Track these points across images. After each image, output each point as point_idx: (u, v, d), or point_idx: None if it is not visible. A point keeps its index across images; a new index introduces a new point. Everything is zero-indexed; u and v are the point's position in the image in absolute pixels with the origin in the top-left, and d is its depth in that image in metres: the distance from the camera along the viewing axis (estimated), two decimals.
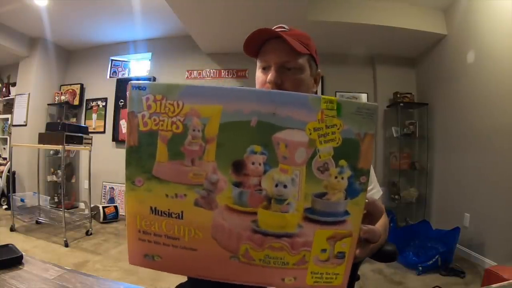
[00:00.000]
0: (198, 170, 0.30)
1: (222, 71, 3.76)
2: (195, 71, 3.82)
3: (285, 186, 0.30)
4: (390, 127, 3.42)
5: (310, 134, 0.29)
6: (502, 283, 0.54)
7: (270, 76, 0.66)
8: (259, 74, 0.71)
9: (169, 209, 0.31)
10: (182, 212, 0.31)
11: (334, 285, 0.33)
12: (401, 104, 3.34)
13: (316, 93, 0.80)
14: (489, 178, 2.36)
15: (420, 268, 2.20)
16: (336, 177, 0.29)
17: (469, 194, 2.59)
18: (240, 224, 0.31)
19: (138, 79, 3.97)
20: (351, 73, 3.63)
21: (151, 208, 0.32)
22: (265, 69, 0.69)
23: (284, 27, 0.69)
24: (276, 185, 0.30)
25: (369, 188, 0.71)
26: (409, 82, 3.58)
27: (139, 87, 0.30)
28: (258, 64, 0.71)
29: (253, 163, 0.29)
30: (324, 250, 0.31)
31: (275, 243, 0.31)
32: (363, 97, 3.62)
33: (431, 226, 2.66)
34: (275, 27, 0.70)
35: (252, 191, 0.30)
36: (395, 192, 3.32)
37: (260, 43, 0.69)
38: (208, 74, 3.80)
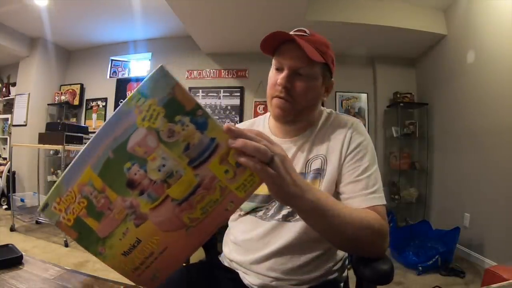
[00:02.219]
0: (116, 209, 0.38)
1: (222, 71, 3.76)
2: (195, 71, 3.82)
3: (163, 165, 0.36)
4: (390, 127, 3.42)
5: (144, 125, 0.35)
6: (502, 283, 0.54)
7: (280, 79, 0.67)
8: (272, 73, 0.73)
9: (130, 244, 0.40)
10: (136, 238, 0.40)
11: (258, 183, 0.39)
12: (401, 104, 3.34)
13: (324, 102, 0.82)
14: (489, 178, 2.35)
15: (420, 268, 2.20)
16: (183, 129, 0.35)
17: (469, 194, 2.59)
18: (167, 209, 0.38)
19: (138, 79, 3.97)
20: (351, 73, 3.62)
21: (123, 252, 0.41)
22: (278, 70, 0.70)
23: (305, 32, 0.70)
24: (159, 170, 0.37)
25: (369, 191, 0.65)
26: (409, 82, 3.58)
27: (44, 207, 0.39)
28: (273, 63, 0.72)
29: (135, 174, 0.37)
30: (226, 171, 0.38)
31: (197, 197, 0.38)
32: (363, 97, 3.62)
33: (431, 226, 2.66)
34: (295, 29, 0.71)
35: (151, 187, 0.37)
36: (395, 192, 3.32)
37: (277, 44, 0.70)
38: (208, 74, 3.80)
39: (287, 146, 0.75)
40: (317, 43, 0.68)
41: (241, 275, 0.73)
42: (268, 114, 0.85)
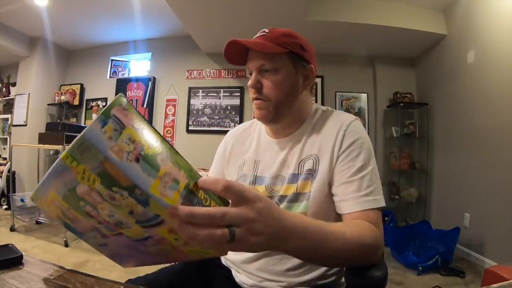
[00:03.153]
0: (84, 223, 0.37)
1: (222, 71, 3.76)
2: (195, 71, 3.82)
3: (113, 216, 0.34)
4: (390, 127, 3.42)
5: (84, 183, 0.32)
6: (502, 283, 0.54)
7: (250, 81, 0.70)
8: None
9: (98, 243, 0.41)
10: (105, 242, 0.40)
11: (212, 255, 0.38)
12: (401, 104, 3.34)
13: (316, 93, 0.82)
14: (489, 178, 2.36)
15: (420, 268, 2.20)
16: (123, 199, 0.32)
17: (469, 194, 2.59)
18: (125, 240, 0.38)
19: (138, 79, 3.97)
20: (351, 73, 3.63)
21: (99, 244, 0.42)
22: (250, 75, 0.72)
23: (264, 31, 0.70)
24: (110, 216, 0.34)
25: (361, 193, 0.62)
26: (409, 82, 3.58)
27: (33, 201, 0.38)
28: (247, 72, 0.75)
29: (90, 211, 0.34)
30: (176, 239, 0.36)
31: (149, 242, 0.37)
32: (363, 97, 3.62)
33: (431, 226, 2.66)
34: (258, 33, 0.72)
35: (107, 224, 0.36)
36: (395, 192, 3.32)
37: (244, 52, 0.71)
38: (208, 74, 3.80)
39: (280, 146, 0.75)
40: (276, 37, 0.67)
41: (234, 273, 0.74)
42: None
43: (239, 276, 0.72)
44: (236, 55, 0.72)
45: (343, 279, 0.74)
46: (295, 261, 0.67)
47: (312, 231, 0.44)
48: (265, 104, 0.69)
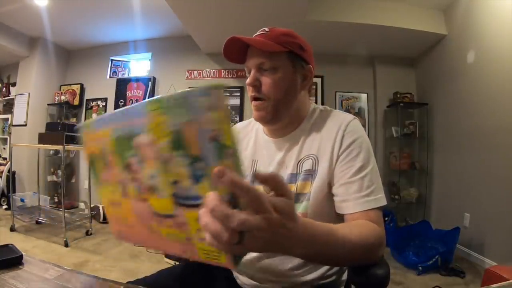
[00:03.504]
0: (115, 173, 0.39)
1: (222, 71, 3.76)
2: (195, 71, 3.82)
3: (153, 177, 0.35)
4: (390, 127, 3.42)
5: (150, 133, 0.33)
6: (502, 283, 0.54)
7: (248, 79, 0.69)
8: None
9: (114, 201, 0.42)
10: (120, 202, 0.41)
11: (221, 262, 0.35)
12: (401, 104, 3.34)
13: (316, 93, 0.81)
14: (489, 178, 2.36)
15: (420, 268, 2.20)
16: (179, 166, 0.32)
17: (469, 194, 2.59)
18: (144, 208, 0.38)
19: (138, 79, 3.98)
20: (351, 73, 3.63)
21: (109, 201, 0.43)
22: (249, 73, 0.71)
23: (264, 30, 0.70)
24: (150, 178, 0.35)
25: (360, 194, 0.62)
26: (409, 82, 3.58)
27: (81, 127, 0.42)
28: (245, 69, 0.74)
29: (133, 164, 0.36)
30: (199, 230, 0.33)
31: (167, 222, 0.36)
32: (363, 97, 3.62)
33: (431, 226, 2.66)
34: (258, 31, 0.72)
35: (139, 184, 0.37)
36: (395, 192, 3.32)
37: (243, 50, 0.71)
38: (208, 74, 3.80)
39: (278, 146, 0.75)
40: (276, 36, 0.68)
41: (234, 274, 0.74)
42: None
43: (240, 278, 0.72)
44: (235, 52, 0.71)
45: (343, 277, 0.75)
46: (298, 261, 0.67)
47: (321, 237, 0.43)
48: (263, 105, 0.69)
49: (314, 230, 0.42)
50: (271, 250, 0.36)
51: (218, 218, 0.29)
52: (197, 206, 0.32)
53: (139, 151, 0.35)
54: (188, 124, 0.30)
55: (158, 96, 0.31)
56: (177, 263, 0.80)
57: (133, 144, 0.35)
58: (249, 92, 0.71)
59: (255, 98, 0.70)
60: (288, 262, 0.67)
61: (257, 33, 0.71)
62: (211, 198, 0.30)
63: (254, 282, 0.69)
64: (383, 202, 0.63)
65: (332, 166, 0.66)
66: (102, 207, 3.44)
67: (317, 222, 0.43)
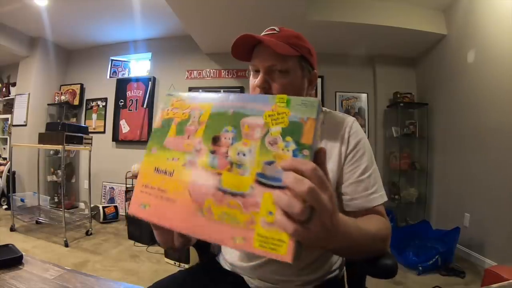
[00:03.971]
0: (190, 142, 0.42)
1: (222, 71, 3.77)
2: (195, 71, 3.82)
3: (244, 155, 0.38)
4: (390, 127, 3.43)
5: (266, 118, 0.39)
6: (502, 283, 0.54)
7: (257, 80, 0.67)
8: (251, 78, 0.72)
9: (166, 168, 0.42)
10: (173, 170, 0.42)
11: (278, 253, 0.33)
12: (401, 104, 3.34)
13: (313, 95, 0.80)
14: (489, 178, 2.36)
15: (420, 268, 2.20)
16: (283, 149, 0.37)
17: (469, 194, 2.59)
18: (209, 181, 0.39)
19: (138, 79, 3.98)
20: (351, 73, 3.63)
21: (155, 168, 0.43)
22: (256, 73, 0.70)
23: (274, 29, 0.69)
24: (238, 154, 0.38)
25: (368, 192, 0.67)
26: (409, 82, 3.58)
27: (169, 94, 0.47)
28: (250, 69, 0.72)
29: (225, 138, 0.40)
30: (270, 213, 0.35)
31: (231, 201, 0.37)
32: (363, 97, 3.62)
33: (431, 226, 2.67)
34: (266, 29, 0.70)
35: (221, 157, 0.39)
36: (395, 192, 3.32)
37: (250, 48, 0.69)
38: (208, 74, 3.80)
39: None
40: (287, 37, 0.67)
41: (246, 279, 0.73)
42: None
43: (252, 281, 0.72)
44: (242, 50, 0.70)
45: (343, 269, 0.79)
46: (307, 260, 0.70)
47: (353, 231, 0.46)
48: None
49: (349, 226, 0.44)
50: (320, 240, 0.36)
51: (292, 182, 0.32)
52: (279, 187, 0.35)
53: (241, 129, 0.39)
54: (310, 120, 0.37)
55: (284, 96, 0.39)
56: (177, 263, 0.79)
57: (240, 122, 0.40)
58: (255, 92, 0.69)
59: None
60: (299, 262, 0.68)
61: (267, 32, 0.69)
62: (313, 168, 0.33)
63: (269, 284, 0.70)
64: (386, 197, 0.69)
65: (340, 165, 0.69)
66: (103, 207, 3.44)
67: (346, 216, 0.45)
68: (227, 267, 0.78)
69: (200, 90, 3.76)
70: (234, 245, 0.36)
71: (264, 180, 0.36)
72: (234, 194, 0.37)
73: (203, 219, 0.38)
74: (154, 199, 0.42)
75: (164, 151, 0.43)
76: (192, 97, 0.45)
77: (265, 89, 0.67)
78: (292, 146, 0.36)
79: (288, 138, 0.37)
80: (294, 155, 0.36)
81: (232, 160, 0.39)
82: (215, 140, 0.40)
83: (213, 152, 0.40)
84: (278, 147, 0.37)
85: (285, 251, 0.33)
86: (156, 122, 0.46)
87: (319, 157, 0.35)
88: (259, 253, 0.34)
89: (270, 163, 0.36)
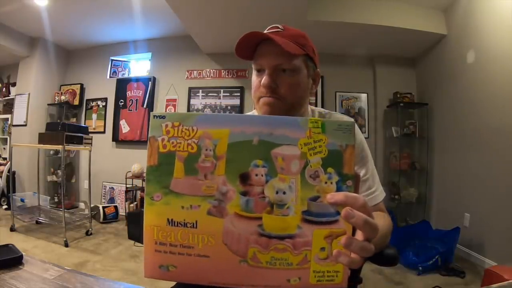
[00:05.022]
0: (210, 183, 0.35)
1: (222, 71, 3.76)
2: (195, 71, 3.82)
3: (284, 193, 0.34)
4: (390, 127, 3.42)
5: (302, 148, 0.34)
6: (502, 283, 0.54)
7: (263, 80, 0.65)
8: (254, 77, 0.70)
9: (184, 220, 0.35)
10: (196, 221, 0.35)
11: (335, 283, 0.35)
12: (401, 104, 3.34)
13: (316, 93, 0.81)
14: (489, 178, 2.36)
15: (420, 268, 2.20)
16: (326, 182, 0.34)
17: (469, 194, 2.59)
18: (248, 228, 0.35)
19: (138, 79, 3.98)
20: (351, 73, 3.63)
21: (168, 220, 0.35)
22: (259, 71, 0.68)
23: (278, 27, 0.67)
24: (277, 192, 0.34)
25: (371, 190, 0.72)
26: (409, 82, 3.58)
27: (158, 116, 0.36)
28: (253, 67, 0.70)
29: (256, 175, 0.34)
30: (323, 249, 0.34)
31: (279, 245, 0.35)
32: (363, 97, 3.62)
33: (431, 226, 2.66)
34: (269, 27, 0.69)
35: (256, 199, 0.34)
36: (395, 192, 3.32)
37: (253, 46, 0.67)
38: (208, 74, 3.80)
39: None
40: (294, 36, 0.66)
41: None
42: (254, 111, 0.80)
43: None
44: (245, 48, 0.67)
45: None
46: None
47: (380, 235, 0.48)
48: (278, 103, 0.65)
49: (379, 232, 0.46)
50: None
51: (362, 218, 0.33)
52: (329, 224, 0.34)
53: (275, 162, 0.34)
54: (350, 147, 0.34)
55: (318, 119, 0.35)
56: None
57: (271, 153, 0.34)
58: (259, 94, 0.67)
59: (268, 97, 0.66)
60: None
61: (270, 30, 0.68)
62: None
63: None
64: (384, 193, 0.75)
65: None
66: (103, 207, 3.44)
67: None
68: None
69: (200, 90, 3.76)
70: (289, 286, 0.35)
71: (312, 218, 0.34)
72: (281, 238, 0.34)
73: (250, 268, 0.35)
74: (179, 259, 0.35)
75: (174, 197, 0.35)
76: (197, 121, 0.35)
77: (272, 88, 0.65)
78: (335, 177, 0.34)
79: (330, 169, 0.34)
80: (338, 187, 0.34)
81: (271, 200, 0.34)
82: (244, 178, 0.34)
83: (244, 193, 0.34)
84: (320, 180, 0.34)
85: (340, 279, 0.35)
86: (150, 158, 0.36)
87: (357, 183, 0.35)
88: (320, 286, 0.35)
89: (315, 198, 0.34)
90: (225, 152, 0.35)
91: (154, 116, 0.36)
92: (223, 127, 0.35)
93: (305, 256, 0.34)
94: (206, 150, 0.35)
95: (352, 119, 0.36)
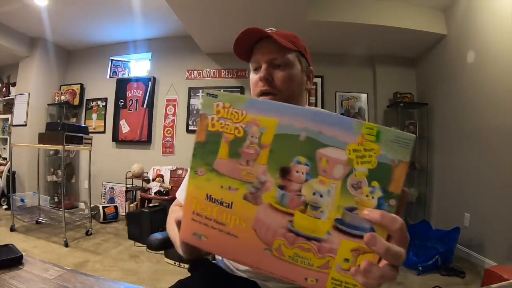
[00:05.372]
0: (251, 170, 0.35)
1: (222, 71, 3.77)
2: (195, 71, 3.82)
3: (321, 196, 0.33)
4: (390, 127, 3.42)
5: (349, 154, 0.32)
6: (502, 283, 0.54)
7: (260, 73, 0.69)
8: (252, 75, 0.74)
9: (221, 199, 0.37)
10: (232, 202, 0.36)
11: None
12: (401, 104, 3.34)
13: (310, 90, 0.82)
14: (489, 178, 2.36)
15: (420, 268, 2.20)
16: (367, 196, 0.32)
17: (469, 194, 2.59)
18: (278, 221, 0.35)
19: (138, 79, 3.98)
20: (351, 73, 3.63)
21: (207, 195, 0.37)
22: (256, 69, 0.72)
23: (271, 29, 0.71)
24: (314, 193, 0.34)
25: None
26: (409, 82, 3.58)
27: (211, 95, 0.36)
28: (250, 66, 0.74)
29: (297, 171, 0.34)
30: (347, 260, 0.34)
31: (305, 244, 0.35)
32: (363, 97, 3.62)
33: (431, 226, 2.66)
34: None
35: (292, 195, 0.34)
36: None
37: (249, 46, 0.71)
38: (208, 74, 3.80)
39: None
40: (285, 35, 0.70)
41: (260, 283, 0.71)
42: None
43: (268, 284, 0.70)
44: (243, 48, 0.72)
45: None
46: None
47: None
48: (275, 98, 0.69)
49: None
50: None
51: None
52: (359, 237, 0.33)
53: (318, 163, 0.33)
54: (403, 164, 0.31)
55: (374, 124, 0.32)
56: (177, 263, 0.78)
57: (316, 153, 0.33)
58: (258, 87, 0.71)
59: (264, 93, 0.70)
60: None
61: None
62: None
63: (282, 285, 0.69)
64: None
65: None
66: (103, 207, 3.44)
67: None
68: (243, 274, 0.74)
69: (200, 90, 3.76)
70: (305, 284, 0.36)
71: (344, 228, 0.33)
72: (308, 238, 0.35)
73: (273, 257, 0.36)
74: (211, 231, 0.38)
75: (216, 176, 0.37)
76: (247, 105, 0.35)
77: (268, 80, 0.68)
78: (378, 193, 0.32)
79: (375, 183, 0.32)
80: (379, 203, 0.32)
81: (306, 200, 0.34)
82: (284, 173, 0.34)
83: (282, 187, 0.34)
84: (362, 192, 0.32)
85: None
86: (198, 134, 0.37)
87: (402, 201, 0.33)
88: None
89: (351, 209, 0.33)
90: (270, 142, 0.34)
91: (207, 94, 0.36)
92: (272, 115, 0.34)
93: (327, 262, 0.34)
94: (252, 136, 0.35)
95: (413, 135, 0.31)
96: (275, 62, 0.69)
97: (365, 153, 0.32)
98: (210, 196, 0.37)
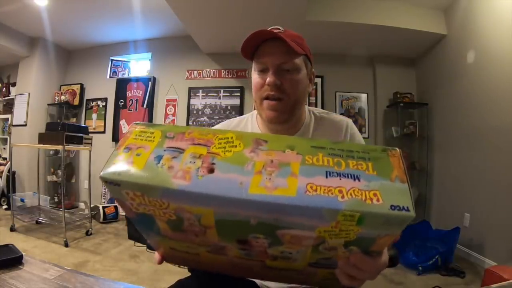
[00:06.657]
0: (203, 240, 0.32)
1: (222, 71, 3.76)
2: (195, 71, 3.82)
3: (290, 253, 0.33)
4: (390, 127, 3.42)
5: (320, 233, 0.28)
6: (502, 283, 0.54)
7: (269, 78, 0.66)
8: (255, 76, 0.70)
9: (187, 251, 0.36)
10: (198, 254, 0.37)
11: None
12: (401, 104, 3.34)
13: (316, 93, 0.82)
14: (489, 178, 2.35)
15: (420, 268, 2.20)
16: (343, 253, 0.32)
17: (469, 194, 2.59)
18: (251, 263, 0.36)
19: (138, 79, 3.98)
20: (351, 73, 3.63)
21: (170, 247, 0.37)
22: (262, 71, 0.68)
23: (279, 29, 0.68)
24: (282, 252, 0.33)
25: None
26: (409, 82, 3.58)
27: (112, 183, 0.28)
28: (254, 66, 0.70)
29: (257, 242, 0.31)
30: (324, 277, 0.38)
31: (284, 271, 0.38)
32: (363, 97, 3.62)
33: (431, 226, 2.66)
34: (270, 28, 0.69)
35: (258, 253, 0.33)
36: None
37: (255, 45, 0.68)
38: (208, 74, 3.80)
39: None
40: (293, 37, 0.68)
41: (259, 283, 0.71)
42: (255, 112, 0.81)
43: (265, 283, 0.70)
44: (250, 47, 0.68)
45: None
46: None
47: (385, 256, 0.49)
48: (281, 105, 0.67)
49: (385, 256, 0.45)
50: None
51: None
52: (331, 267, 0.35)
53: (280, 238, 0.29)
54: (388, 236, 0.29)
55: (355, 214, 0.26)
56: (177, 265, 0.77)
57: (276, 233, 0.28)
58: (264, 91, 0.68)
59: (272, 98, 0.67)
60: None
61: (272, 30, 0.68)
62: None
63: (279, 285, 0.68)
64: None
65: None
66: (103, 207, 3.44)
67: (384, 251, 0.46)
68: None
69: (200, 90, 3.76)
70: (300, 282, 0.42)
71: (318, 265, 0.36)
72: (286, 270, 0.37)
73: (257, 274, 0.41)
74: (187, 256, 0.39)
75: (169, 239, 0.34)
76: (163, 195, 0.27)
77: (277, 86, 0.66)
78: (356, 251, 0.31)
79: (353, 248, 0.30)
80: (349, 250, 0.32)
81: (275, 255, 0.33)
82: (243, 243, 0.31)
83: (243, 249, 0.33)
84: (336, 252, 0.31)
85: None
86: (126, 212, 0.32)
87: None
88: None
89: (327, 258, 0.33)
90: (213, 225, 0.29)
91: (105, 181, 0.28)
92: (203, 206, 0.27)
93: (308, 277, 0.38)
94: (188, 220, 0.29)
95: (413, 215, 0.26)
96: (283, 67, 0.66)
97: (341, 232, 0.28)
98: (175, 248, 0.36)
